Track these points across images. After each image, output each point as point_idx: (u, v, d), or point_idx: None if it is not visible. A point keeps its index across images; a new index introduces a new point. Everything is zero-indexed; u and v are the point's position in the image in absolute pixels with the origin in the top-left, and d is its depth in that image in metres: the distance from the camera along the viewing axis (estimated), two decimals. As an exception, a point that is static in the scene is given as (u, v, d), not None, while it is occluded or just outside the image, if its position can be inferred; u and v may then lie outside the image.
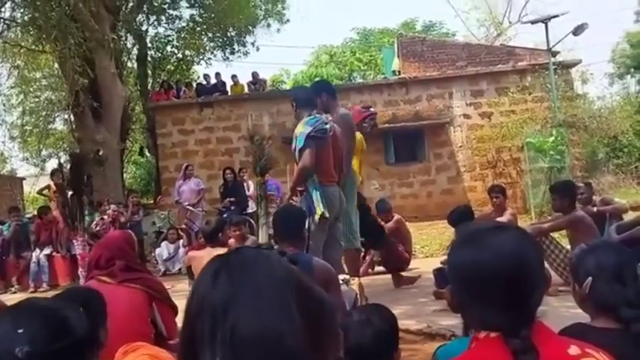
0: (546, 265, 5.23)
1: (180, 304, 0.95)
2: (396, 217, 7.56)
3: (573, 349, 1.23)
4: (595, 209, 6.46)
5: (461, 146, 15.88)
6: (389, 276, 7.06)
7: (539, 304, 1.29)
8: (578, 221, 5.31)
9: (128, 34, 19.09)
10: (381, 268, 7.44)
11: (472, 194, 15.19)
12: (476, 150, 15.68)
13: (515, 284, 1.23)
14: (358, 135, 5.91)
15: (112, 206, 10.36)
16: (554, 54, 15.02)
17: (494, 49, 18.38)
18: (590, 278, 1.84)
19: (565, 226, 5.53)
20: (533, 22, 14.96)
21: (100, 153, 14.65)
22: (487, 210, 7.71)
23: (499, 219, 6.18)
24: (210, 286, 0.88)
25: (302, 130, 4.72)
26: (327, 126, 4.74)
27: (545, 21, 13.96)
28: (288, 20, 22.26)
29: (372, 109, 6.62)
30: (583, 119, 14.82)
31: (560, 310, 4.06)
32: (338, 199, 4.78)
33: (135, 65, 21.16)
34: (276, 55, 70.16)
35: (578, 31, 13.99)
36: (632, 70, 32.83)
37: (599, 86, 42.79)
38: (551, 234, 5.61)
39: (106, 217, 9.93)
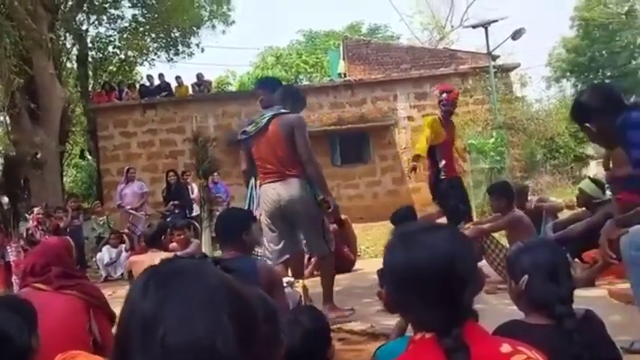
0: (486, 263, 5.40)
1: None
2: (342, 217, 7.59)
3: (505, 347, 1.25)
4: (532, 205, 6.71)
5: (405, 148, 16.11)
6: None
7: (472, 304, 1.31)
8: (516, 221, 5.45)
9: (67, 34, 18.57)
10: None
11: (417, 195, 15.42)
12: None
13: (447, 283, 1.25)
14: (432, 118, 6.38)
15: (36, 209, 9.98)
16: (494, 58, 15.45)
17: (437, 52, 18.76)
18: (526, 276, 1.90)
19: (504, 226, 5.67)
20: (474, 27, 15.35)
21: (38, 156, 14.16)
22: (431, 210, 7.83)
23: (441, 220, 6.29)
24: (140, 296, 0.88)
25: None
26: (249, 127, 4.71)
27: (486, 26, 14.35)
28: (233, 22, 22.14)
29: (444, 95, 6.64)
30: (522, 121, 15.31)
31: (499, 307, 4.15)
32: (273, 194, 4.63)
33: (75, 66, 20.56)
34: (222, 56, 69.56)
35: (516, 35, 14.45)
36: (568, 73, 34.16)
37: (536, 89, 44.35)
38: (492, 234, 5.74)
39: (31, 221, 9.56)
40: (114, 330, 3.22)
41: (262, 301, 1.56)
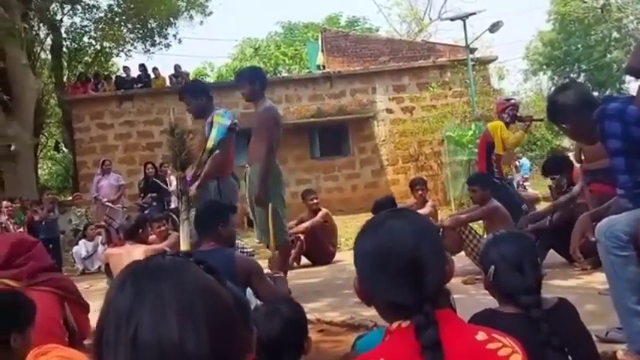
0: (464, 255, 5.44)
1: (99, 303, 0.95)
2: (324, 211, 7.60)
3: (480, 335, 1.26)
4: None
5: (384, 140, 16.17)
6: (314, 269, 7.10)
7: (441, 287, 1.34)
8: (492, 211, 5.50)
9: (41, 24, 18.26)
10: (306, 262, 7.47)
11: (395, 187, 15.51)
12: (398, 144, 16.01)
13: (412, 265, 1.27)
14: (495, 123, 6.46)
15: (5, 202, 9.82)
16: (472, 50, 15.56)
17: (416, 44, 18.82)
18: (492, 267, 1.92)
19: (481, 216, 5.72)
20: (452, 19, 15.44)
21: (12, 148, 13.93)
22: (409, 202, 7.87)
23: (420, 211, 6.32)
24: (117, 292, 0.91)
25: (222, 121, 4.77)
26: (236, 120, 5.03)
27: (464, 18, 14.43)
28: (211, 12, 21.92)
29: (512, 100, 6.84)
30: (499, 114, 15.41)
31: (477, 297, 4.19)
32: (234, 188, 5.08)
33: (49, 56, 20.23)
34: (200, 48, 69.00)
35: (494, 28, 14.56)
36: (545, 67, 34.55)
37: (514, 82, 44.75)
38: (471, 224, 5.79)
39: (2, 215, 9.40)
40: (91, 320, 3.23)
41: (235, 297, 1.56)
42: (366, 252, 1.35)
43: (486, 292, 2.04)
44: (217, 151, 4.78)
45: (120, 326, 0.86)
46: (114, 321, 0.88)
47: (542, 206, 6.93)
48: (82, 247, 9.79)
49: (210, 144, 4.83)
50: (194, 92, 5.29)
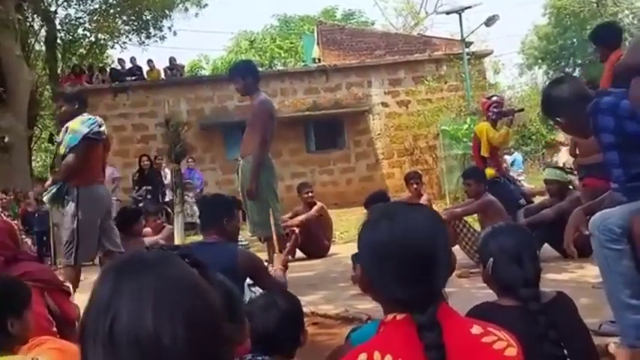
0: (459, 248, 5.45)
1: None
2: (319, 204, 7.60)
3: (476, 329, 1.26)
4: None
5: (379, 134, 16.17)
6: (309, 262, 7.10)
7: (445, 284, 1.32)
8: (487, 205, 5.51)
9: (35, 15, 18.13)
10: (300, 255, 7.47)
11: (390, 181, 15.52)
12: (394, 137, 16.01)
13: (425, 260, 1.26)
14: (481, 125, 6.54)
15: None
16: (468, 44, 15.55)
17: (412, 38, 18.81)
18: (491, 259, 1.92)
19: (476, 210, 5.73)
20: (448, 13, 15.44)
21: (5, 140, 13.86)
22: (404, 196, 7.88)
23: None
24: (99, 284, 0.92)
25: (78, 128, 4.79)
26: (102, 129, 4.99)
27: (460, 12, 14.42)
28: (206, 5, 21.83)
29: (494, 97, 6.85)
30: (494, 108, 15.41)
31: (472, 291, 4.20)
32: (105, 197, 5.07)
33: (43, 48, 20.10)
34: (195, 40, 68.70)
35: (489, 22, 14.56)
36: (540, 61, 34.55)
37: (509, 76, 44.78)
38: (465, 218, 5.80)
39: None
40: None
41: (224, 289, 1.55)
42: (374, 242, 1.32)
43: (481, 286, 2.05)
44: (69, 157, 4.75)
45: (99, 318, 0.87)
46: (94, 313, 0.89)
47: (537, 200, 6.94)
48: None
49: (62, 149, 4.84)
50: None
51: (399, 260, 1.26)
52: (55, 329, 2.90)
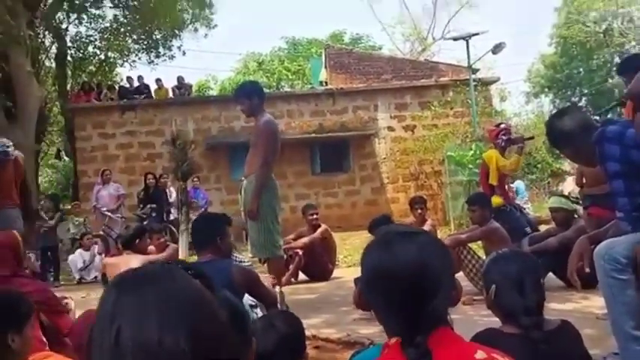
0: (463, 275, 5.42)
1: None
2: (323, 227, 7.58)
3: (480, 354, 1.25)
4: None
5: (385, 158, 16.18)
6: (312, 285, 7.07)
7: (441, 312, 1.28)
8: (491, 232, 5.49)
9: (46, 32, 18.33)
10: (303, 277, 7.45)
11: (395, 205, 15.49)
12: (399, 162, 16.02)
13: (414, 289, 1.24)
14: (489, 153, 6.52)
15: None
16: (475, 71, 15.61)
17: (419, 63, 18.92)
18: (494, 286, 1.91)
19: (480, 237, 5.71)
20: (455, 39, 15.51)
21: (13, 155, 13.88)
22: (409, 221, 7.86)
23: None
24: (104, 298, 0.94)
25: None
26: (10, 149, 4.86)
27: (467, 39, 14.50)
28: (215, 25, 22.02)
29: (502, 125, 6.89)
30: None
31: (474, 318, 4.18)
32: (13, 221, 4.76)
33: (53, 65, 20.31)
34: (204, 60, 69.29)
35: (496, 49, 14.65)
36: (546, 89, 34.68)
37: (515, 104, 44.93)
38: (470, 245, 5.78)
39: None
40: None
41: (230, 305, 1.56)
42: (369, 267, 1.33)
43: (484, 313, 2.04)
44: None
45: (104, 331, 0.89)
46: (100, 326, 0.90)
47: (543, 228, 6.92)
48: (78, 257, 9.75)
49: None
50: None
51: (386, 287, 1.26)
52: (47, 349, 2.88)
